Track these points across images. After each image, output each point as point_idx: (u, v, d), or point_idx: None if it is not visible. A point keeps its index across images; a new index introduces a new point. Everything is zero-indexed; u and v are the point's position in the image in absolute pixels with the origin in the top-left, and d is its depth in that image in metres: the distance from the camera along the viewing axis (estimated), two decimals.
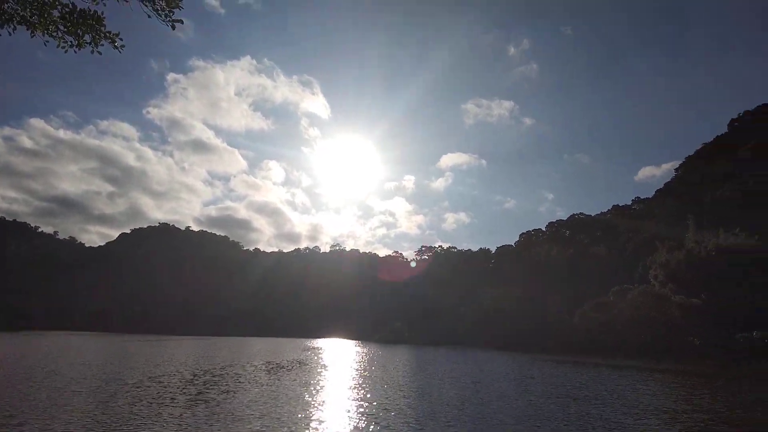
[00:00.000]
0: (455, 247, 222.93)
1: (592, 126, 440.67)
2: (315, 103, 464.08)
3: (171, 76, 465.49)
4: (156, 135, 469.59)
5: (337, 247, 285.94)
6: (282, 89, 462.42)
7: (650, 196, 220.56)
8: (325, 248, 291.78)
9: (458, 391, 34.29)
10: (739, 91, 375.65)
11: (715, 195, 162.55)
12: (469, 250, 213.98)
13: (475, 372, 50.42)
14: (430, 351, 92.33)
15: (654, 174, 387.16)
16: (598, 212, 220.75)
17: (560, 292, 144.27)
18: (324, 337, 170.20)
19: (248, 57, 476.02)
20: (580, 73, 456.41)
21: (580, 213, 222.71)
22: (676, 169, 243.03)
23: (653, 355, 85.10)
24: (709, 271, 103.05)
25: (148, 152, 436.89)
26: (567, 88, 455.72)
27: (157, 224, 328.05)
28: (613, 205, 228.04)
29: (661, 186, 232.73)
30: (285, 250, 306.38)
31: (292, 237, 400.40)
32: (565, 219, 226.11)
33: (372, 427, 21.22)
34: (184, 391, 30.91)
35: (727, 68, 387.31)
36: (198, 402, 26.72)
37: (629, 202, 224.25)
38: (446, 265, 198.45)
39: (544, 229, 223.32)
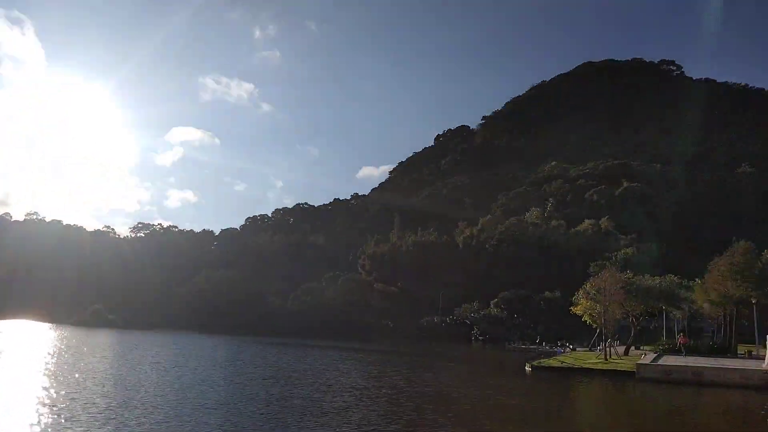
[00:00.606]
0: (176, 227, 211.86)
1: (324, 121, 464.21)
2: (23, 45, 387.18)
3: None
4: None
5: (35, 217, 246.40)
6: None
7: (366, 193, 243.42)
8: (19, 217, 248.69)
9: (160, 377, 32.50)
10: (453, 107, 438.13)
11: (418, 198, 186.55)
12: (192, 230, 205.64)
13: (183, 356, 48.60)
14: (135, 335, 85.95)
15: (373, 174, 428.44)
16: (321, 203, 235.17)
17: (280, 276, 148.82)
18: (8, 318, 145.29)
19: None
20: (320, 68, 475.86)
21: (305, 203, 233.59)
22: (390, 172, 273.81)
23: (354, 336, 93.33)
24: (407, 263, 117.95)
25: None
26: (306, 81, 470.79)
27: None
28: (335, 198, 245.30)
29: (377, 185, 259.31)
30: None
31: None
32: (290, 207, 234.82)
33: (53, 419, 18.68)
34: None
35: (448, 84, 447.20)
36: None
37: (349, 197, 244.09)
38: (164, 245, 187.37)
39: (270, 215, 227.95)
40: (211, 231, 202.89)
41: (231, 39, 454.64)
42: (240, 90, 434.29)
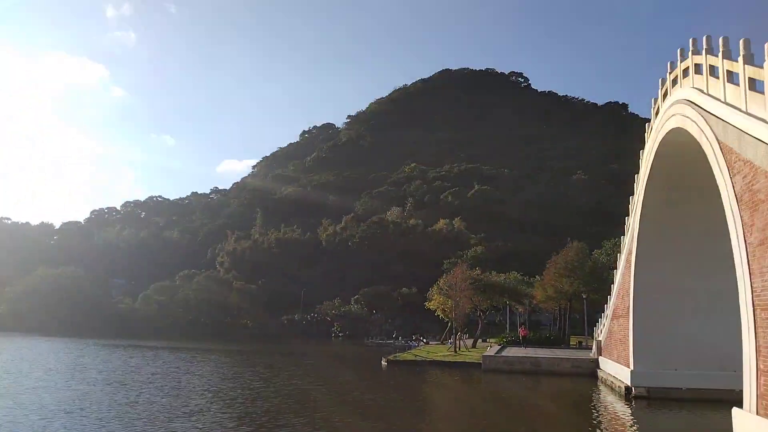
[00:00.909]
0: (9, 219, 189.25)
1: (182, 110, 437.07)
2: None
3: None
4: None
5: None
6: None
7: (228, 188, 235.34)
8: None
9: None
10: (318, 104, 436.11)
11: (282, 194, 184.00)
12: (28, 223, 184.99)
13: (12, 360, 43.51)
14: None
15: (235, 168, 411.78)
16: (177, 197, 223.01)
17: (130, 274, 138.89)
18: None
19: None
20: (179, 54, 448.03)
21: (159, 195, 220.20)
22: (254, 167, 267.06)
23: (210, 337, 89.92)
24: (268, 260, 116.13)
25: None
26: (164, 66, 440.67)
27: None
28: (192, 192, 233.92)
29: (239, 180, 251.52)
30: None
31: None
32: (142, 200, 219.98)
33: None
34: None
35: (314, 80, 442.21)
36: None
37: (208, 191, 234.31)
38: None
39: (119, 207, 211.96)
40: (51, 224, 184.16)
41: (79, 15, 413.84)
42: (88, 71, 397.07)
